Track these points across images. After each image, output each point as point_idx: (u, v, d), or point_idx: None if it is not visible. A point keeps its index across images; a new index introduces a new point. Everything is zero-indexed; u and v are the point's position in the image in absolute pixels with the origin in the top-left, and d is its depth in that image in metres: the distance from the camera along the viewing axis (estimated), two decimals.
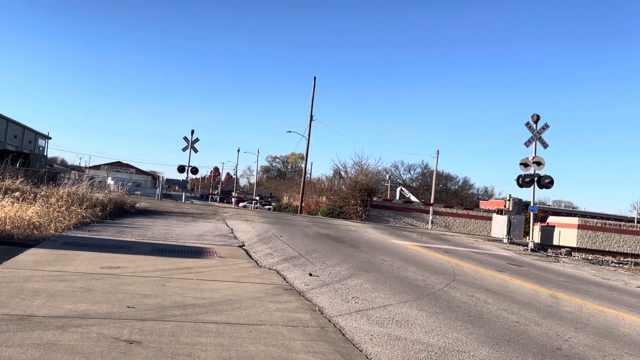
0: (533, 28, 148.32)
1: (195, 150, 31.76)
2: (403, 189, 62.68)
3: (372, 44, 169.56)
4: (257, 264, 9.57)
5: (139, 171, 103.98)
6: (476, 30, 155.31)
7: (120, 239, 11.05)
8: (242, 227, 16.24)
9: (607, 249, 31.12)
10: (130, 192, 28.08)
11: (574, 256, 22.51)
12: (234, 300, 6.23)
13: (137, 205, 19.63)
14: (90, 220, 13.09)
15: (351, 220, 32.40)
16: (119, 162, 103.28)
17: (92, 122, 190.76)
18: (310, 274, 8.73)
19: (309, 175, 63.29)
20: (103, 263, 7.89)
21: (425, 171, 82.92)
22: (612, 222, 36.52)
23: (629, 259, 23.80)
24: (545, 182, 21.87)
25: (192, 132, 31.74)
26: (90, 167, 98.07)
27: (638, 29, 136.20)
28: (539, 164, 21.89)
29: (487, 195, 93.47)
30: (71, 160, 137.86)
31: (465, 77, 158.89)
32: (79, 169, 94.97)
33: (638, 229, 34.77)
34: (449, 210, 40.36)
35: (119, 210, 16.55)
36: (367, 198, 37.66)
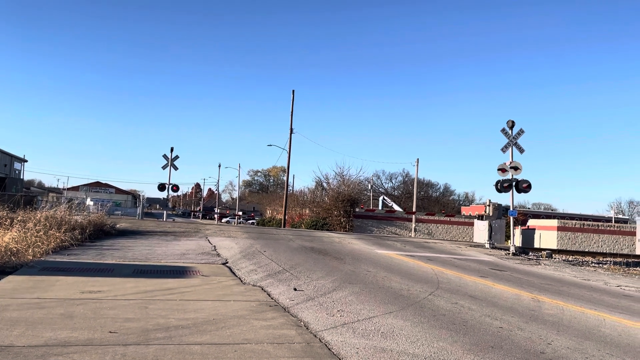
0: (507, 35, 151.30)
1: (176, 168, 31.54)
2: (385, 197, 62.94)
3: (350, 56, 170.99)
4: (241, 281, 9.50)
5: (119, 191, 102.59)
6: (452, 40, 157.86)
7: (101, 261, 10.87)
8: (225, 243, 16.13)
9: (586, 250, 31.68)
10: (110, 212, 27.69)
11: (555, 258, 22.85)
12: (218, 320, 6.17)
13: (118, 226, 19.36)
14: (70, 243, 12.87)
15: (335, 231, 32.40)
16: (97, 182, 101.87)
17: (69, 143, 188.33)
18: (295, 289, 8.70)
19: (291, 188, 63.17)
20: (83, 288, 7.76)
21: (406, 179, 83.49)
22: (591, 222, 37.20)
23: (608, 259, 24.23)
24: (524, 187, 22.20)
25: (172, 149, 31.54)
26: (68, 189, 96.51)
27: (608, 34, 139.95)
28: (516, 169, 22.23)
29: (468, 200, 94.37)
30: (49, 182, 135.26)
31: (442, 85, 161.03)
32: (56, 191, 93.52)
33: (615, 228, 35.48)
34: (431, 217, 40.66)
35: (99, 232, 16.30)
36: (350, 208, 37.77)
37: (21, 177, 61.76)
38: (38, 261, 10.15)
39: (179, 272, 10.07)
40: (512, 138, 22.55)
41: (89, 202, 41.25)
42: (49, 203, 21.04)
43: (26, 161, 67.80)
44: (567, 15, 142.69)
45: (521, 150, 22.58)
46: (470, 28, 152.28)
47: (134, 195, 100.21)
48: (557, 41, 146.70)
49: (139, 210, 32.85)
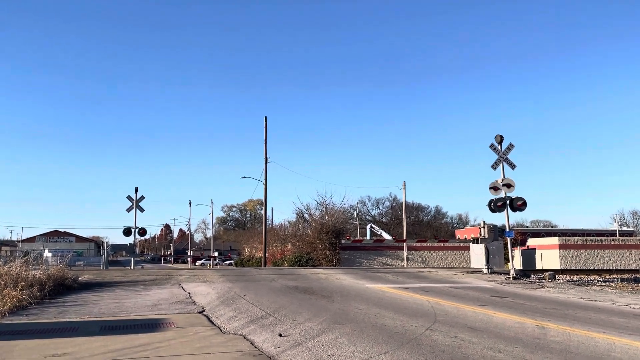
0: (491, 50, 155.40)
1: (142, 210, 31.25)
2: (373, 225, 63.22)
3: (327, 81, 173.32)
4: (221, 330, 9.42)
5: (80, 239, 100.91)
6: (437, 59, 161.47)
7: (64, 320, 10.68)
8: (201, 289, 15.98)
9: (591, 267, 32.05)
10: (71, 263, 27.18)
11: (558, 279, 23.08)
12: None
13: (81, 278, 19.04)
14: (28, 302, 12.61)
15: (321, 266, 32.30)
16: (55, 231, 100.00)
17: (20, 190, 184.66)
18: (281, 335, 8.66)
19: (270, 222, 62.97)
20: (46, 351, 7.61)
21: (394, 204, 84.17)
22: (594, 237, 37.77)
23: (615, 276, 24.54)
24: (518, 205, 22.54)
25: (136, 189, 31.32)
26: (23, 240, 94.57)
27: (598, 38, 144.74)
28: (509, 186, 22.59)
29: (462, 222, 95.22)
30: (0, 234, 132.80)
31: (425, 105, 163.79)
32: (10, 243, 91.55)
33: (621, 242, 36.00)
34: (423, 244, 40.87)
35: (60, 286, 15.99)
36: (336, 240, 37.74)
37: None
38: None
39: (151, 325, 9.94)
40: (502, 154, 22.98)
41: (47, 253, 40.46)
42: (2, 258, 20.65)
43: None
44: (552, 22, 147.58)
45: (513, 167, 23.00)
46: (453, 46, 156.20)
47: (97, 243, 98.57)
48: (545, 51, 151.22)
49: (103, 259, 32.35)
